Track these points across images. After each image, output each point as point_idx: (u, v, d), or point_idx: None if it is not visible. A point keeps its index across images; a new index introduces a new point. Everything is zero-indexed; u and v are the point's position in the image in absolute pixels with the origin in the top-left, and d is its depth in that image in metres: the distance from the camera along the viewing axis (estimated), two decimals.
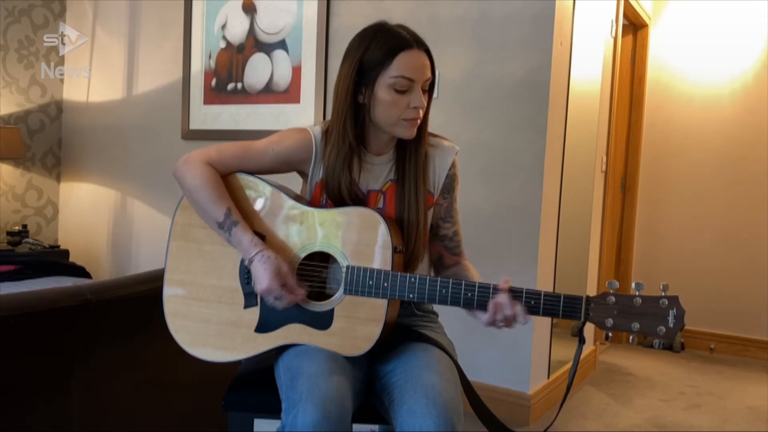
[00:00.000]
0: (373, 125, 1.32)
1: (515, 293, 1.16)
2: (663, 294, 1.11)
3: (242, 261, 1.30)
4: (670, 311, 1.10)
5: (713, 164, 3.99)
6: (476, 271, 1.39)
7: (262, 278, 1.22)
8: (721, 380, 3.41)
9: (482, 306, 1.18)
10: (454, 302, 1.20)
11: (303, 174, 1.39)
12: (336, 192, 1.31)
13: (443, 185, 1.39)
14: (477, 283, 1.18)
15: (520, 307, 1.15)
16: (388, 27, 1.29)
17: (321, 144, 1.34)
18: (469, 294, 1.18)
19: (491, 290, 1.17)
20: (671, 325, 1.10)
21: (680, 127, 4.08)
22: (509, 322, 1.17)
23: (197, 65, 3.41)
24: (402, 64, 1.25)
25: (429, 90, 1.32)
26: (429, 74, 1.29)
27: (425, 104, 1.30)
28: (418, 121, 1.30)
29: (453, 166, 1.40)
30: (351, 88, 1.28)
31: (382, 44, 1.26)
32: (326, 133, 1.35)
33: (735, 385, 3.34)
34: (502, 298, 1.16)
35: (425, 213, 1.34)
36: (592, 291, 3.34)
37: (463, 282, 1.19)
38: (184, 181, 1.32)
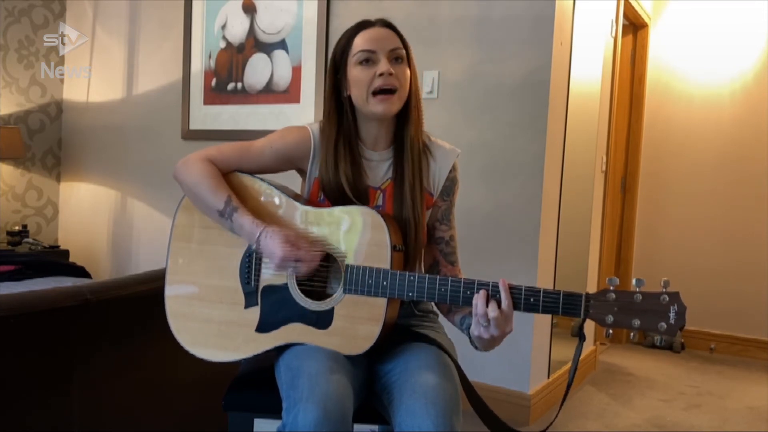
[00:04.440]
0: (360, 115, 1.35)
1: (514, 291, 1.15)
2: (664, 290, 1.10)
3: (242, 261, 1.31)
4: (671, 307, 1.09)
5: (713, 164, 3.99)
6: None
7: (275, 250, 1.22)
8: (721, 380, 3.41)
9: None
10: (454, 300, 1.20)
11: (302, 171, 1.40)
12: (334, 186, 1.31)
13: (443, 187, 1.39)
14: (476, 281, 1.18)
15: (494, 307, 1.14)
16: (356, 22, 1.35)
17: (319, 141, 1.35)
18: (468, 292, 1.18)
19: (490, 288, 1.17)
20: (672, 322, 1.09)
21: (680, 127, 4.08)
22: (487, 318, 1.14)
23: (197, 65, 3.41)
24: (360, 40, 1.31)
25: (408, 64, 1.33)
26: (393, 44, 1.31)
27: (395, 72, 1.29)
28: (394, 95, 1.29)
29: (454, 169, 1.40)
30: (331, 84, 1.35)
31: (345, 34, 1.34)
32: (323, 130, 1.36)
33: (735, 385, 3.34)
34: (475, 297, 1.16)
35: (423, 211, 1.34)
36: (592, 291, 3.34)
37: (462, 280, 1.19)
38: (183, 179, 1.33)
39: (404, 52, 1.32)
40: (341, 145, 1.33)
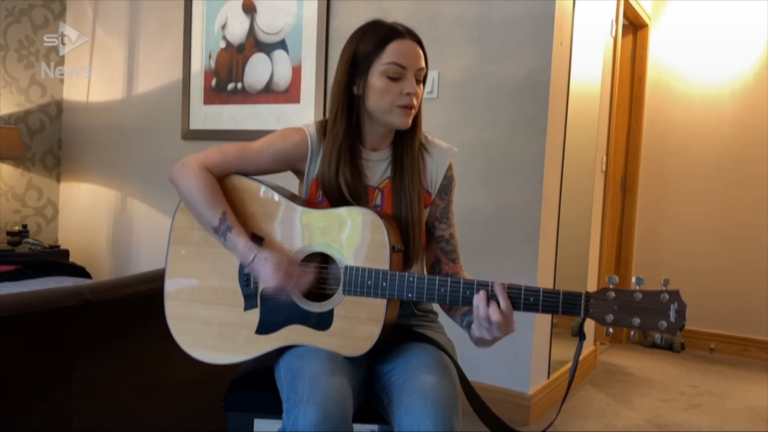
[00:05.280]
0: (368, 117, 1.34)
1: (513, 291, 1.15)
2: (664, 288, 1.10)
3: (241, 263, 1.31)
4: (671, 305, 1.09)
5: (713, 164, 3.99)
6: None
7: (269, 278, 1.22)
8: (721, 380, 3.41)
9: None
10: (453, 301, 1.19)
11: (299, 173, 1.40)
12: (334, 186, 1.31)
13: (440, 186, 1.39)
14: (476, 281, 1.18)
15: (495, 308, 1.14)
16: (381, 20, 1.33)
17: (316, 142, 1.35)
18: (468, 292, 1.18)
19: (489, 288, 1.16)
20: (672, 320, 1.09)
21: (680, 127, 4.08)
22: (489, 321, 1.14)
23: (197, 65, 3.41)
24: (394, 52, 1.28)
25: (423, 83, 1.34)
26: (422, 64, 1.31)
27: (418, 92, 1.31)
28: (413, 111, 1.31)
29: (450, 168, 1.40)
30: (345, 79, 1.32)
31: (374, 34, 1.30)
32: (322, 129, 1.36)
33: (735, 385, 3.34)
34: (476, 299, 1.16)
35: (421, 211, 1.34)
36: (592, 290, 3.34)
37: (462, 280, 1.19)
38: (180, 186, 1.32)
39: (425, 72, 1.33)
40: (345, 144, 1.32)
